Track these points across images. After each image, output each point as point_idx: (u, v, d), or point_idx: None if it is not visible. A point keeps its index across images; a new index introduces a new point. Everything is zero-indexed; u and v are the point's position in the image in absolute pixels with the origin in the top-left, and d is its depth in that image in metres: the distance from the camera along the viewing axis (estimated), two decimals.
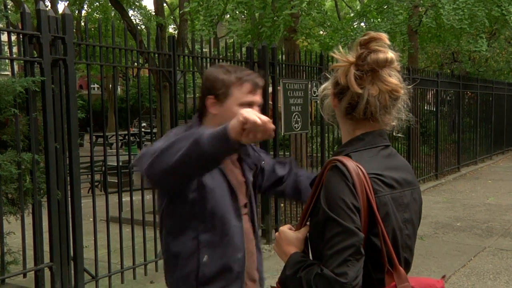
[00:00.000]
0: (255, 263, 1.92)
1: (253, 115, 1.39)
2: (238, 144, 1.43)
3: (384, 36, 1.33)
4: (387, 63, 1.32)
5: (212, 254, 1.75)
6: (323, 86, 1.46)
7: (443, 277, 1.46)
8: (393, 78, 1.34)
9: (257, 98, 1.81)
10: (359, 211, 1.25)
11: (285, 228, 1.43)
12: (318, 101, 6.89)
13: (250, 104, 1.76)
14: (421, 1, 10.31)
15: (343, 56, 1.37)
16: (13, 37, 3.83)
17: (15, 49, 4.31)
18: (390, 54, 1.33)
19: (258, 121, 1.38)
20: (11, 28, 3.66)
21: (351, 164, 1.28)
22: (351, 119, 1.38)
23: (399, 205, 1.34)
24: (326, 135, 7.02)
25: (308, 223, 1.39)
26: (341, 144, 1.43)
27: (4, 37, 3.72)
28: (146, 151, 1.65)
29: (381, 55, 1.31)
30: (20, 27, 3.71)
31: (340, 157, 1.31)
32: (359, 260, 1.21)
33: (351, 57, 1.35)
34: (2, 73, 21.37)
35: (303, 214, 1.39)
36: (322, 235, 1.25)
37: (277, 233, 1.44)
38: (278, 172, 2.05)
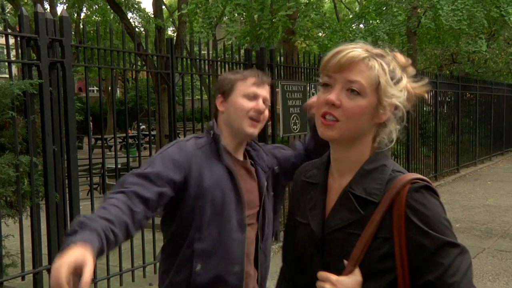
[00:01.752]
0: (250, 277, 1.83)
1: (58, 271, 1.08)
2: None
3: None
4: None
5: (206, 263, 1.70)
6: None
7: None
8: None
9: (262, 91, 1.79)
10: None
11: (335, 277, 1.16)
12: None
13: (254, 96, 1.77)
14: (420, 2, 10.32)
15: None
16: (11, 40, 3.83)
17: (13, 52, 4.31)
18: None
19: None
20: (9, 30, 3.66)
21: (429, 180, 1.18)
22: (381, 127, 1.21)
23: None
24: None
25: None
26: (372, 156, 1.20)
27: (2, 40, 3.72)
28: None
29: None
30: (18, 30, 3.71)
31: (419, 176, 1.16)
32: None
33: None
34: (0, 75, 21.38)
35: (357, 252, 1.14)
36: (429, 266, 1.09)
37: (328, 285, 1.16)
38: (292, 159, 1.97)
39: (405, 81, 1.19)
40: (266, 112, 1.80)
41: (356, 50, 1.15)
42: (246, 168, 1.85)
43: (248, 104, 1.76)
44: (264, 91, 1.81)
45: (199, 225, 1.71)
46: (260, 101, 1.78)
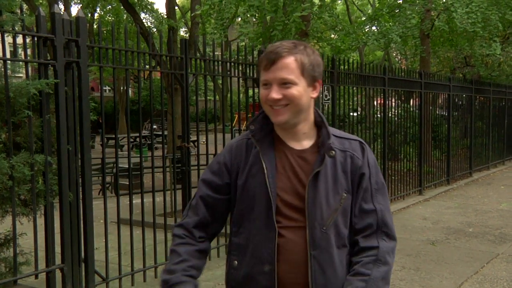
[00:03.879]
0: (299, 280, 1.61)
1: None
2: None
3: None
4: None
5: (241, 259, 1.67)
6: None
7: None
8: None
9: (271, 75, 1.54)
10: None
11: None
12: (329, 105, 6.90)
13: (265, 84, 1.57)
14: (434, 5, 10.26)
15: None
16: (28, 40, 3.87)
17: (29, 52, 4.36)
18: None
19: None
20: (26, 31, 3.70)
21: None
22: None
23: None
24: None
25: None
26: None
27: (19, 40, 3.76)
28: None
29: None
30: (34, 30, 3.75)
31: None
32: None
33: None
34: (17, 75, 21.58)
35: None
36: None
37: None
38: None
39: None
40: (289, 93, 1.54)
41: None
42: (303, 157, 1.62)
43: (263, 93, 1.58)
44: (278, 72, 1.54)
45: (234, 218, 1.69)
46: (273, 89, 1.55)
